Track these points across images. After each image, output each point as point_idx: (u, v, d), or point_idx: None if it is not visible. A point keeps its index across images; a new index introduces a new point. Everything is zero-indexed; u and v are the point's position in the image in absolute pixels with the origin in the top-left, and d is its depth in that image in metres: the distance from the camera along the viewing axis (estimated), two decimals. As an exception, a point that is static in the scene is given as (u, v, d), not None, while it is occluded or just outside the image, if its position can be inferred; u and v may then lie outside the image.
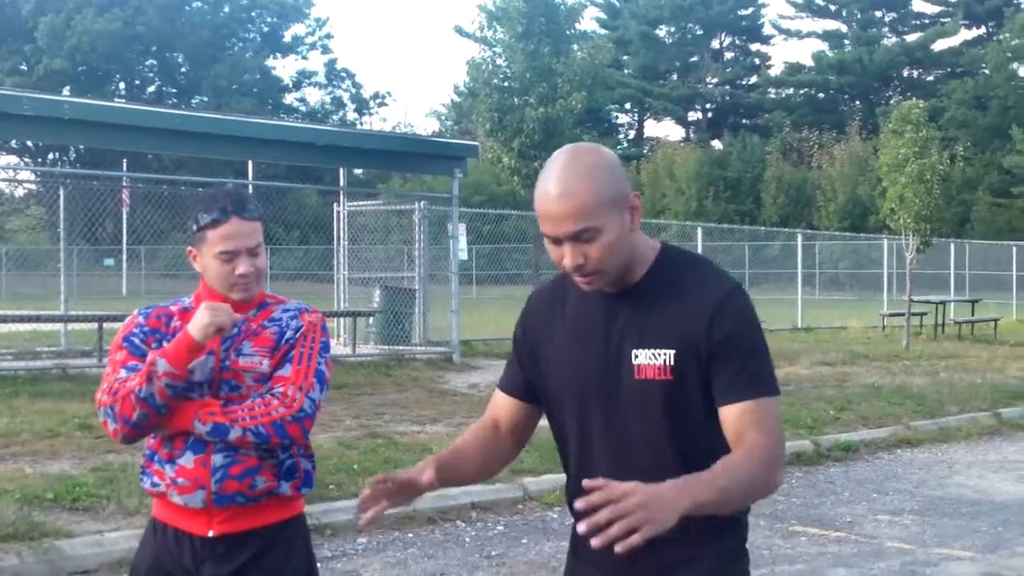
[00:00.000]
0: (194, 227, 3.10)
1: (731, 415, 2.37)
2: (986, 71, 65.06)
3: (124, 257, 40.58)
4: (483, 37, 16.08)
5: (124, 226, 38.39)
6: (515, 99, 14.90)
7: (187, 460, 3.04)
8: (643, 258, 2.45)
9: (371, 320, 16.91)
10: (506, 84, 15.22)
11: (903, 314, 21.23)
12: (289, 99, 72.01)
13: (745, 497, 2.35)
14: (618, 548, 2.05)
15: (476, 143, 17.98)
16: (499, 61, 15.59)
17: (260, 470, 3.06)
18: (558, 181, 2.33)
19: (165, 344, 3.04)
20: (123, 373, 3.04)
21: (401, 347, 16.23)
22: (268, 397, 3.03)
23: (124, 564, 6.55)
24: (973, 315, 24.82)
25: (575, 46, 15.51)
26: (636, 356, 2.41)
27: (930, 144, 20.04)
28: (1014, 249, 33.73)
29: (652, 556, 2.34)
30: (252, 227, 3.09)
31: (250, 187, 16.34)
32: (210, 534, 3.06)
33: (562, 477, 2.68)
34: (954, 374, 16.19)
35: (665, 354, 2.37)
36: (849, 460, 10.82)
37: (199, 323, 2.96)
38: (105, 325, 13.20)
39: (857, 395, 13.68)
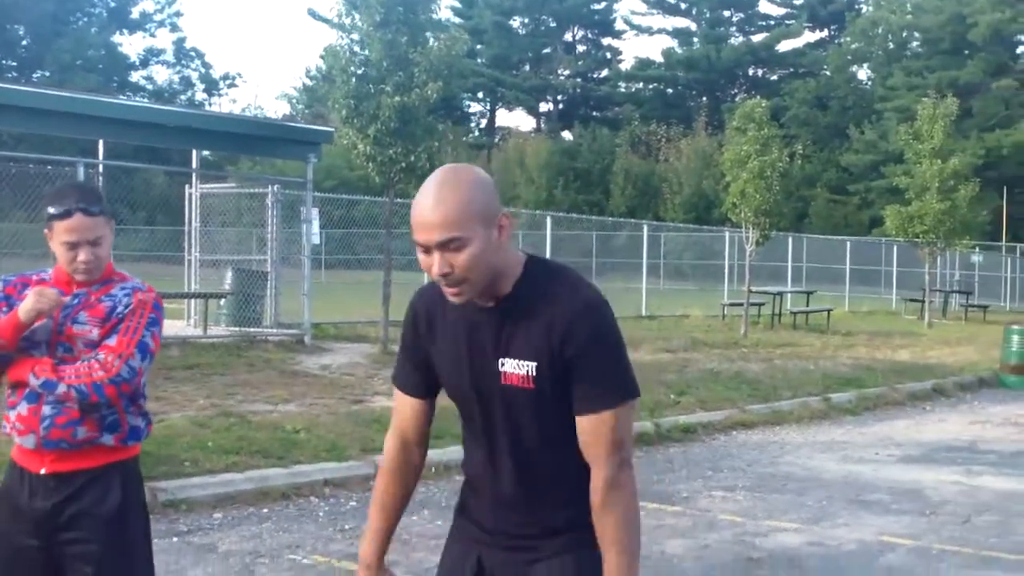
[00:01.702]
0: (46, 216, 3.56)
1: (581, 426, 2.60)
2: (827, 72, 67.38)
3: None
4: (340, 24, 16.10)
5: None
6: (371, 87, 15.00)
7: (23, 408, 3.51)
8: (511, 272, 2.62)
9: (222, 302, 16.85)
10: (363, 71, 15.32)
11: (742, 304, 22.06)
12: (136, 77, 70.33)
13: (638, 531, 2.67)
14: None
15: (331, 129, 18.01)
16: (356, 48, 15.67)
17: (82, 422, 3.49)
18: (433, 194, 2.52)
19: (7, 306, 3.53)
20: None
21: (253, 329, 16.24)
22: (92, 361, 3.46)
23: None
24: (808, 306, 25.87)
25: (431, 36, 15.69)
26: (503, 364, 2.62)
27: (771, 142, 20.86)
28: (848, 244, 35.14)
29: (536, 521, 2.70)
30: (94, 222, 3.51)
31: (100, 167, 16.08)
32: (42, 471, 3.51)
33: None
34: (788, 361, 16.95)
35: (528, 365, 2.59)
36: (687, 441, 11.33)
37: (25, 306, 3.46)
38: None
39: (696, 380, 14.26)
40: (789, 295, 26.66)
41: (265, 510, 7.79)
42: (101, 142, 17.86)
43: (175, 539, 6.86)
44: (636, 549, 2.62)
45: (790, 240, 32.66)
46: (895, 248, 33.86)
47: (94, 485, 3.50)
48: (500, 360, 2.63)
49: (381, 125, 14.79)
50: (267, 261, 17.38)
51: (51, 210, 3.51)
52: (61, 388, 3.41)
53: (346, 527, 7.43)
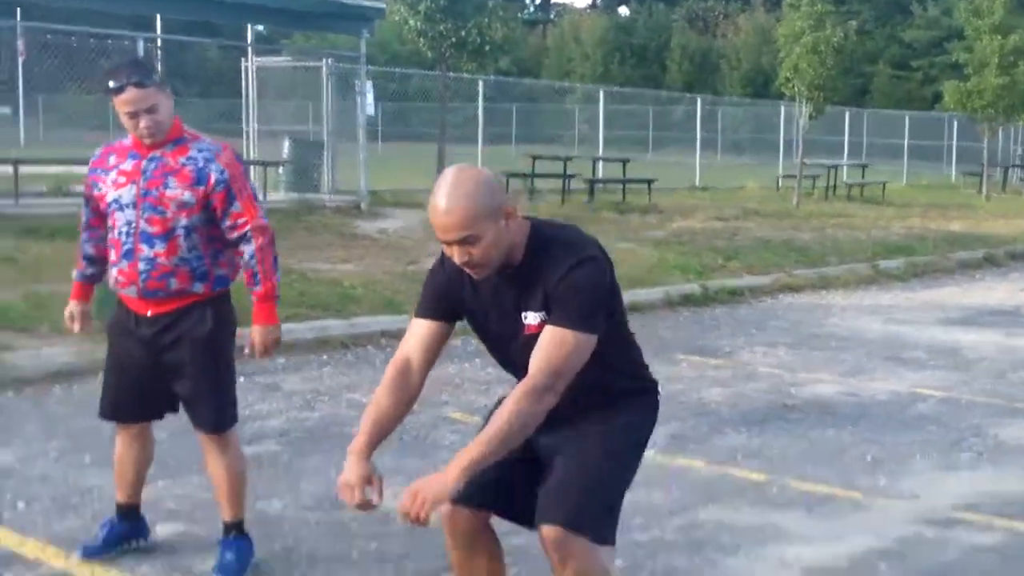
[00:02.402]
0: (106, 92, 4.02)
1: (542, 335, 3.03)
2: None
3: (21, 105, 39.70)
4: None
5: (20, 74, 37.49)
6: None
7: (123, 265, 4.09)
8: (519, 243, 3.07)
9: (280, 170, 17.24)
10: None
11: (796, 176, 22.09)
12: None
13: (520, 431, 2.98)
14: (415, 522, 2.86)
15: (383, 5, 18.12)
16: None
17: (174, 275, 4.05)
18: (445, 199, 2.95)
19: (102, 180, 4.13)
20: (83, 209, 4.30)
21: (311, 195, 16.62)
22: (250, 246, 4.08)
23: (61, 375, 7.12)
24: (863, 179, 25.82)
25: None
26: (526, 317, 3.10)
27: (825, 17, 20.75)
28: (907, 118, 34.77)
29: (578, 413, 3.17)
30: (146, 93, 3.95)
31: (158, 41, 16.32)
32: (148, 313, 4.12)
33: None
34: (839, 231, 17.10)
35: (541, 315, 3.06)
36: (734, 303, 11.62)
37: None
38: (21, 168, 13.44)
39: (746, 247, 14.48)
40: (845, 168, 26.57)
41: (325, 356, 8.23)
42: (158, 16, 18.08)
43: (242, 379, 7.20)
44: (496, 445, 2.93)
45: (847, 115, 32.37)
46: (955, 123, 33.47)
47: (188, 317, 4.09)
48: (523, 314, 3.11)
49: (431, 2, 14.87)
50: (323, 132, 17.68)
51: (109, 86, 3.97)
52: (275, 278, 4.15)
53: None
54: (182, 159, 4.04)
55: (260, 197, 4.19)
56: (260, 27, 23.87)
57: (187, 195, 4.00)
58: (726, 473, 5.71)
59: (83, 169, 14.20)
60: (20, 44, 24.71)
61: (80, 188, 14.31)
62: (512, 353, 3.21)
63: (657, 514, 4.99)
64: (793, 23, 21.00)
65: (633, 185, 20.38)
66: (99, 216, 4.20)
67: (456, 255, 3.00)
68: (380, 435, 3.16)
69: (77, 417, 6.31)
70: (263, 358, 4.16)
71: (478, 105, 23.73)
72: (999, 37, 25.41)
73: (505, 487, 3.20)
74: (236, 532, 4.23)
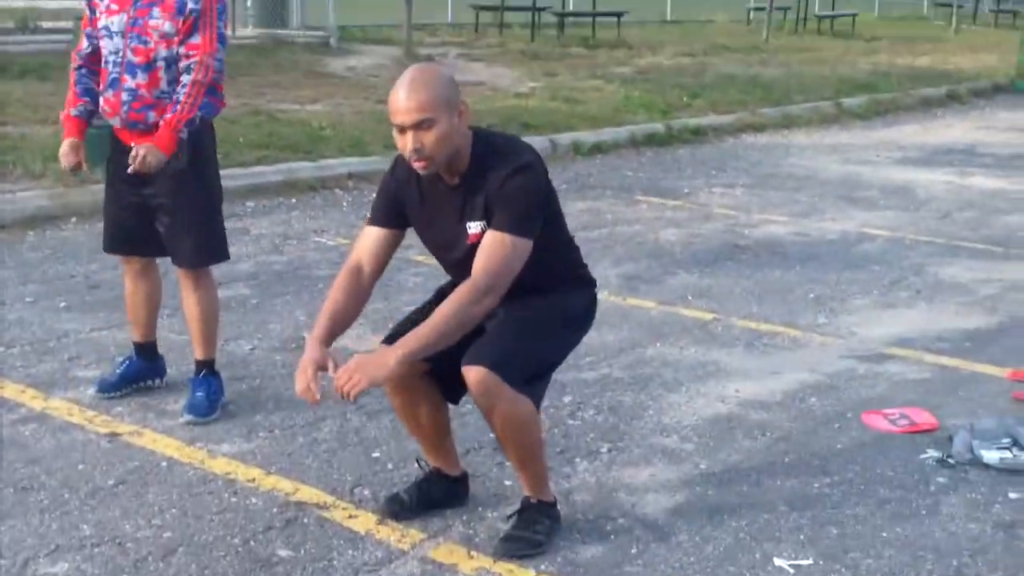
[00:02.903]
0: None
1: (484, 239, 3.24)
2: None
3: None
4: None
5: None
6: None
7: (109, 94, 4.29)
8: (464, 150, 3.25)
9: (249, 2, 17.07)
10: None
11: (766, 8, 21.98)
12: None
13: (458, 328, 3.20)
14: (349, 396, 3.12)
15: None
16: None
17: (154, 107, 4.22)
18: (406, 85, 3.15)
19: (98, 4, 4.28)
20: (83, 39, 4.39)
21: (280, 31, 16.53)
22: (190, 74, 4.15)
23: (36, 220, 7.33)
24: (834, 9, 25.67)
25: None
26: (469, 227, 3.30)
27: None
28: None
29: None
30: None
31: None
32: (132, 145, 4.23)
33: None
34: (806, 67, 17.17)
35: (482, 223, 3.26)
36: (697, 142, 11.81)
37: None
38: None
39: (711, 84, 14.59)
40: (817, -1, 26.45)
41: (293, 200, 8.43)
42: None
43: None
44: (435, 339, 3.17)
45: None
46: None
47: None
48: (466, 224, 3.31)
49: None
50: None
51: None
52: (191, 115, 4.15)
53: (367, 215, 8.04)
54: None
55: (226, 39, 4.29)
56: None
57: (167, 25, 4.14)
58: (675, 312, 6.01)
59: (50, 3, 13.97)
60: None
61: (46, 25, 14.15)
62: (455, 261, 3.41)
63: (607, 352, 5.30)
64: None
65: (604, 19, 20.26)
66: (99, 52, 4.30)
67: (409, 142, 3.16)
68: (336, 329, 3.40)
69: (51, 262, 6.54)
70: (136, 171, 4.15)
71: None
72: None
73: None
74: (207, 371, 4.47)
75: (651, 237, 7.67)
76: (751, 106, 13.38)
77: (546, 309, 3.41)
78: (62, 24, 14.04)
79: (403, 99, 3.15)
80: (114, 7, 4.22)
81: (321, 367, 3.23)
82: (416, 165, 3.22)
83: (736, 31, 22.89)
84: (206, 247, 4.42)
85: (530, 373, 3.35)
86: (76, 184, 7.69)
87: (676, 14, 25.37)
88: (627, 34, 19.78)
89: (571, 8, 21.25)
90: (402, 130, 3.18)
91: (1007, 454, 4.18)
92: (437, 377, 3.50)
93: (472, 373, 3.25)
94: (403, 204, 3.43)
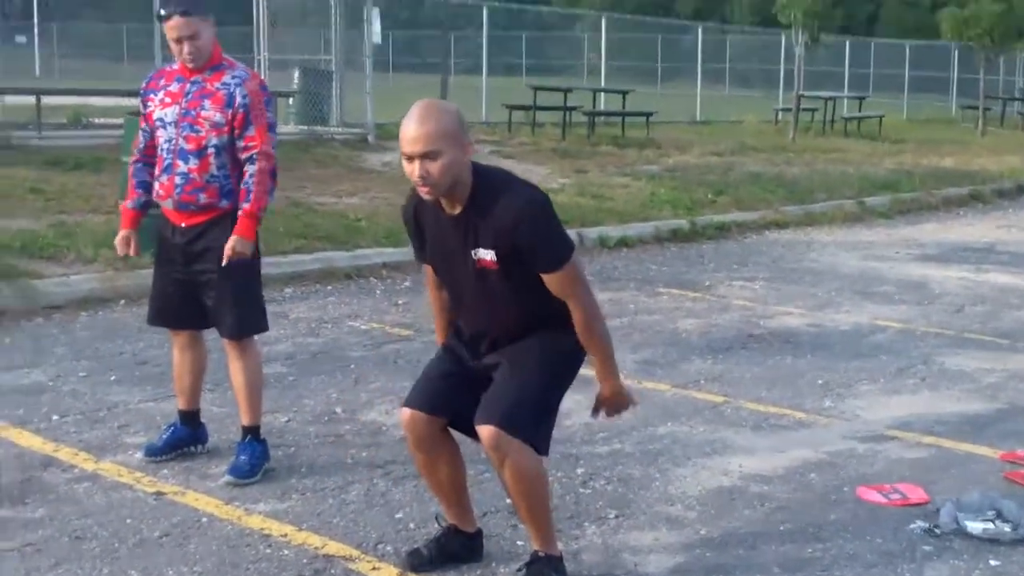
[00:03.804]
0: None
1: (550, 281, 3.64)
2: None
3: (36, 34, 39.94)
4: None
5: (35, 2, 37.62)
6: None
7: (163, 178, 4.72)
8: (466, 182, 3.58)
9: (291, 101, 17.73)
10: None
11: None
12: None
13: (608, 338, 3.78)
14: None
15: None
16: None
17: (204, 190, 4.69)
18: (416, 118, 3.49)
19: (151, 100, 4.77)
20: (139, 135, 4.84)
21: (320, 128, 17.14)
22: (254, 167, 4.65)
23: (88, 301, 7.77)
24: (861, 111, 26.18)
25: None
26: (476, 253, 3.63)
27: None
28: (907, 48, 34.91)
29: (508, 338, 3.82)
30: (189, 21, 4.62)
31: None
32: (182, 225, 4.72)
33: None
34: (830, 166, 17.61)
35: (490, 252, 3.60)
36: (721, 238, 12.20)
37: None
38: (43, 99, 14.02)
39: (736, 181, 15.02)
40: (845, 100, 26.95)
41: (329, 287, 8.85)
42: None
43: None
44: (611, 352, 3.80)
45: (847, 44, 32.59)
46: (955, 53, 33.63)
47: (215, 229, 4.72)
48: (474, 251, 3.63)
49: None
50: (332, 61, 18.13)
51: (158, 13, 4.72)
52: (264, 201, 4.69)
53: (400, 302, 8.46)
54: (217, 84, 4.67)
55: (275, 127, 4.78)
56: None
57: (218, 116, 4.62)
58: (688, 395, 6.33)
59: (100, 101, 14.64)
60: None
61: (98, 120, 14.80)
62: (463, 286, 3.79)
63: (619, 429, 5.61)
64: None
65: (633, 118, 20.82)
66: (154, 145, 4.79)
67: (416, 170, 3.49)
68: (448, 328, 4.02)
69: (103, 340, 6.97)
70: (231, 261, 4.62)
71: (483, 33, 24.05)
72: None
73: (456, 398, 3.80)
74: (252, 436, 4.85)
75: (669, 326, 8.01)
76: (775, 204, 13.78)
77: (543, 352, 3.75)
78: (113, 120, 14.69)
79: (412, 131, 3.49)
80: (167, 100, 4.71)
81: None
82: (421, 190, 3.58)
83: (764, 131, 23.40)
84: (250, 318, 4.84)
85: (537, 419, 3.71)
86: (125, 268, 8.16)
87: (705, 114, 25.95)
88: (656, 133, 20.30)
89: (602, 107, 21.80)
90: (410, 159, 3.52)
91: (990, 525, 4.45)
92: (457, 425, 3.87)
93: (484, 431, 3.62)
94: (423, 235, 3.83)
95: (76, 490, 4.61)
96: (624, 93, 22.04)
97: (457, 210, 3.65)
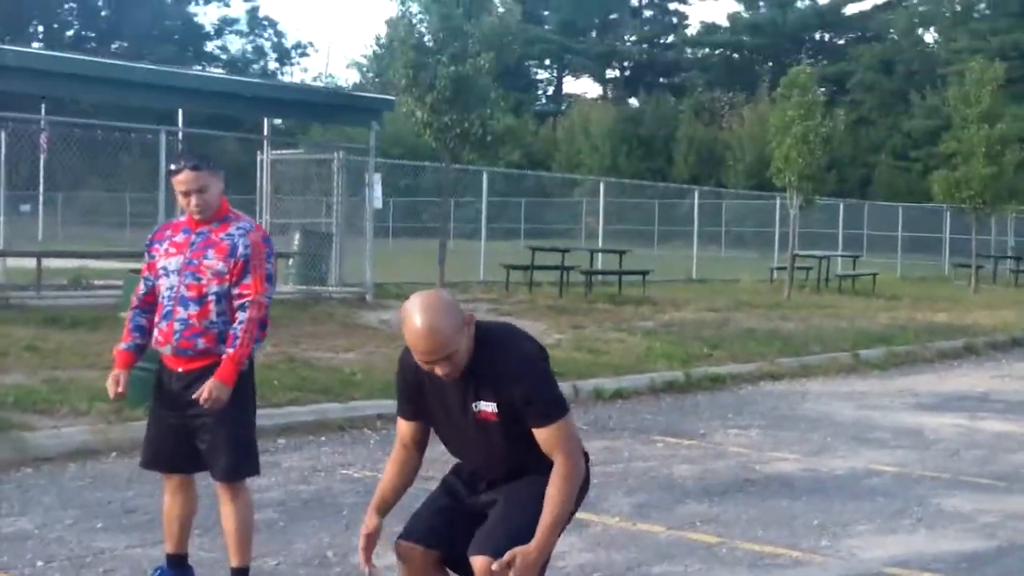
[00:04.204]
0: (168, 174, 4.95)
1: (539, 436, 3.73)
2: (894, 36, 66.91)
3: (40, 203, 40.57)
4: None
5: (41, 172, 38.30)
6: (428, 58, 16.04)
7: (163, 325, 4.79)
8: (471, 348, 3.70)
9: (291, 262, 17.96)
10: (420, 42, 16.39)
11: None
12: (210, 47, 72.16)
13: (570, 507, 3.74)
14: None
15: (392, 98, 19.02)
16: (414, 21, 16.71)
17: (202, 335, 4.76)
18: (421, 325, 3.59)
19: (156, 251, 4.89)
20: (141, 283, 4.94)
21: (318, 287, 17.32)
22: (244, 313, 4.73)
23: (77, 453, 7.72)
24: (854, 270, 26.45)
25: (487, 15, 16.68)
26: (477, 406, 3.75)
27: (815, 108, 21.54)
28: (900, 210, 35.50)
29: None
30: (198, 175, 4.78)
31: (179, 134, 17.23)
32: (180, 370, 4.77)
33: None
34: (825, 321, 17.70)
35: (491, 404, 3.72)
36: (716, 389, 12.18)
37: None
38: (44, 261, 14.21)
39: (732, 336, 15.09)
40: (839, 259, 27.27)
41: (323, 438, 8.81)
42: (180, 112, 19.02)
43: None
44: (564, 520, 3.75)
45: (841, 206, 33.12)
46: (947, 215, 34.15)
47: (211, 374, 4.70)
48: (475, 404, 3.76)
49: (437, 94, 15.79)
50: (333, 224, 18.44)
51: (170, 168, 4.86)
52: (248, 349, 4.71)
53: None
54: (222, 235, 4.82)
55: (274, 279, 4.91)
56: (277, 121, 25.02)
57: (221, 265, 4.77)
58: (683, 536, 6.27)
59: (100, 264, 14.85)
60: (43, 139, 25.54)
61: (97, 282, 14.96)
62: (465, 441, 3.88)
63: (613, 570, 5.55)
64: (784, 112, 21.83)
65: (630, 277, 21.03)
66: (154, 293, 4.88)
67: (439, 370, 3.65)
68: (388, 498, 4.08)
69: (91, 490, 6.92)
70: (205, 405, 4.65)
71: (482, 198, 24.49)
72: (986, 126, 26.09)
73: (452, 533, 3.84)
74: (242, 578, 4.82)
75: (664, 472, 7.96)
76: (770, 356, 13.81)
77: (540, 490, 3.74)
78: (112, 282, 14.87)
79: (424, 343, 3.61)
80: (172, 250, 4.84)
81: (372, 533, 3.92)
82: (443, 376, 3.69)
83: (760, 289, 23.61)
84: (243, 461, 4.87)
85: None
86: (118, 421, 8.16)
87: (701, 274, 26.22)
88: (652, 291, 20.49)
89: (600, 266, 22.05)
90: (428, 363, 3.66)
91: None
92: (450, 562, 3.86)
93: (477, 562, 3.64)
94: (417, 393, 3.90)
95: (58, 632, 4.53)
96: (621, 253, 22.32)
97: (459, 372, 3.75)
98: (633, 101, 72.64)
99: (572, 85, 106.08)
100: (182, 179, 4.76)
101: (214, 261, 4.76)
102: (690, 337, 14.66)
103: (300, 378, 10.12)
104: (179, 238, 4.86)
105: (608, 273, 21.59)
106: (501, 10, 17.06)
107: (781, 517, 6.74)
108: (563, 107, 74.50)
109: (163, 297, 4.82)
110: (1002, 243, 36.68)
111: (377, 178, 18.41)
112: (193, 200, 4.77)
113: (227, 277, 4.74)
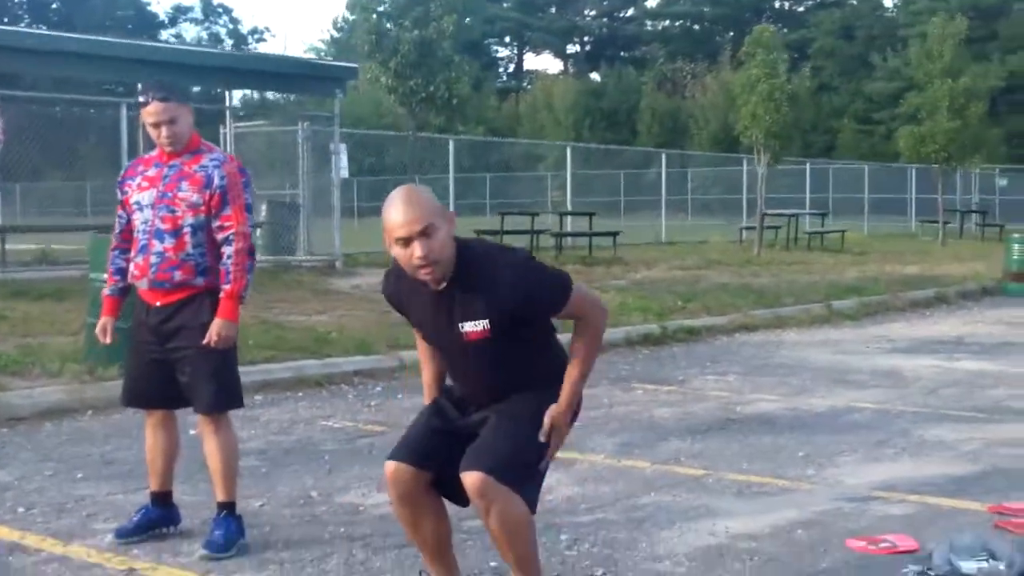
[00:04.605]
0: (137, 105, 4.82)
1: (566, 312, 3.68)
2: (853, 1, 66.97)
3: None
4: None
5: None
6: (391, 24, 15.95)
7: (139, 259, 4.70)
8: (452, 257, 3.58)
9: (258, 232, 17.77)
10: (383, 7, 16.29)
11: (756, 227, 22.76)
12: (165, 35, 71.34)
13: (595, 359, 3.82)
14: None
15: (355, 65, 18.83)
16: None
17: (179, 267, 4.66)
18: (402, 200, 3.51)
19: (129, 186, 4.78)
20: (116, 222, 4.85)
21: (288, 256, 17.18)
22: (231, 248, 4.63)
23: (52, 412, 7.62)
24: (823, 227, 26.51)
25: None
26: (463, 327, 3.61)
27: (779, 65, 21.54)
28: (866, 169, 35.57)
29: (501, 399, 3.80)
30: (166, 106, 4.66)
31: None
32: (157, 304, 4.67)
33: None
34: (797, 275, 17.74)
35: (482, 323, 3.58)
36: (691, 341, 12.17)
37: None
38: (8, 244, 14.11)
39: (705, 290, 15.09)
40: (807, 218, 27.34)
41: (300, 394, 8.72)
42: (140, 85, 18.75)
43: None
44: (591, 366, 3.80)
45: (808, 167, 33.17)
46: (913, 173, 34.26)
47: (188, 306, 4.68)
48: (460, 324, 3.61)
49: (401, 58, 15.67)
50: (299, 195, 18.26)
51: (138, 100, 4.76)
52: (244, 281, 4.66)
53: (372, 404, 8.36)
54: (196, 166, 4.71)
55: (252, 208, 4.81)
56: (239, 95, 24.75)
57: (195, 197, 4.66)
58: (668, 470, 6.23)
59: (64, 244, 14.55)
60: (-1, 123, 24.97)
61: (62, 260, 14.65)
62: (455, 358, 3.79)
63: (602, 501, 5.52)
64: (749, 72, 21.81)
65: (600, 240, 20.99)
66: (131, 230, 4.78)
67: (417, 249, 3.47)
68: (437, 383, 4.03)
69: (68, 445, 6.82)
70: (217, 346, 4.60)
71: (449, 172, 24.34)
72: (949, 81, 26.15)
73: (442, 453, 3.75)
74: (227, 512, 4.73)
75: (646, 415, 7.93)
76: (744, 309, 13.81)
77: (533, 408, 3.69)
78: (77, 259, 14.64)
79: (404, 213, 3.48)
80: (144, 184, 4.73)
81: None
82: (422, 272, 3.53)
83: (729, 249, 23.58)
84: (225, 393, 4.77)
85: (524, 472, 3.62)
86: (92, 381, 8.06)
87: (670, 236, 26.20)
88: (623, 253, 20.43)
89: (568, 230, 22.01)
90: (407, 242, 3.49)
91: (984, 564, 4.36)
92: (440, 485, 3.76)
93: (469, 478, 3.53)
94: (406, 311, 3.80)
95: (44, 571, 4.44)
96: (590, 215, 22.27)
97: (441, 286, 3.63)
98: (595, 76, 72.42)
99: (533, 61, 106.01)
100: (151, 111, 4.65)
101: (188, 193, 4.66)
102: (663, 292, 14.65)
103: (275, 338, 10.03)
104: (151, 172, 4.76)
105: (578, 235, 21.53)
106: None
107: (765, 451, 6.73)
108: (525, 84, 74.24)
109: (138, 231, 4.72)
110: (967, 202, 36.82)
111: (343, 147, 18.23)
112: (163, 131, 4.67)
113: (202, 209, 4.65)
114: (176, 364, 4.70)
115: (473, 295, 3.59)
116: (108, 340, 4.85)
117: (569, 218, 22.90)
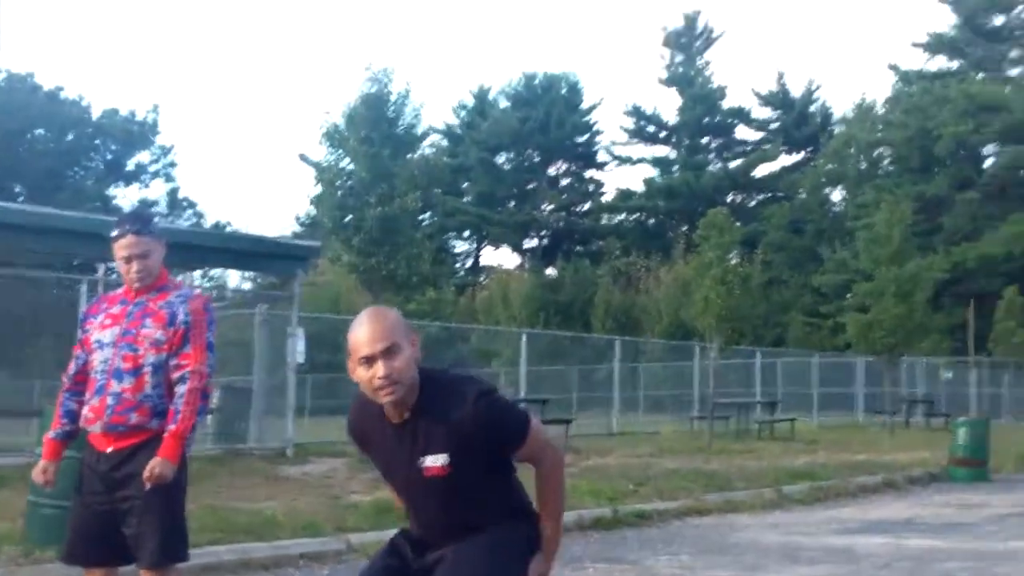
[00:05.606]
0: (110, 239, 4.76)
1: (525, 451, 3.75)
2: (803, 195, 68.87)
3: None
4: (330, 134, 17.37)
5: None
6: (353, 201, 16.27)
7: (94, 401, 4.64)
8: (416, 384, 3.63)
9: (209, 419, 17.63)
10: (349, 184, 16.62)
11: (707, 417, 22.89)
12: (128, 228, 71.82)
13: (564, 494, 3.96)
14: None
15: (318, 244, 18.98)
16: (343, 164, 16.97)
17: (136, 409, 4.60)
18: (368, 320, 3.60)
19: (91, 324, 4.75)
20: (72, 362, 4.79)
21: (238, 445, 17.02)
22: (185, 386, 4.60)
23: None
24: (772, 415, 26.69)
25: (411, 156, 16.95)
26: (423, 462, 3.62)
27: (732, 247, 22.10)
28: (814, 362, 35.93)
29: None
30: (140, 240, 4.70)
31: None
32: (108, 449, 4.61)
33: (385, 534, 3.96)
34: (747, 461, 17.78)
35: (440, 457, 3.60)
36: (643, 525, 12.09)
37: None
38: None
39: (656, 475, 15.07)
40: (757, 406, 27.56)
41: (245, 577, 8.58)
42: (116, 218, 18.68)
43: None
44: (562, 502, 3.96)
45: (758, 357, 33.52)
46: (861, 365, 34.66)
47: (142, 452, 4.58)
48: (420, 460, 3.64)
49: (364, 235, 15.93)
50: (253, 380, 18.19)
51: (112, 233, 4.73)
52: (192, 422, 4.57)
53: None
54: (161, 303, 4.71)
55: (214, 347, 4.76)
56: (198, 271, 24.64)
57: (159, 334, 4.64)
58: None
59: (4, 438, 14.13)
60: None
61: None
62: (415, 497, 3.79)
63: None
64: (704, 255, 22.33)
65: (553, 428, 20.94)
66: (86, 371, 4.72)
67: (380, 369, 3.52)
68: None
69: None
70: (150, 483, 4.51)
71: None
72: (896, 268, 26.72)
73: None
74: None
75: (597, 592, 7.87)
76: (695, 493, 13.80)
77: (492, 540, 3.71)
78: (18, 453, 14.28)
79: (368, 332, 3.54)
80: (107, 322, 4.72)
81: None
82: (384, 393, 3.55)
83: (681, 438, 23.65)
84: (171, 546, 4.69)
85: None
86: (27, 563, 7.91)
87: (622, 427, 26.24)
88: (575, 443, 20.42)
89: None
90: (370, 361, 3.53)
91: None
92: None
93: None
94: (368, 445, 3.83)
95: None
96: (543, 402, 22.32)
97: (404, 416, 3.65)
98: (551, 271, 73.37)
99: (491, 256, 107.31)
100: (124, 244, 4.67)
101: (152, 329, 4.64)
102: (615, 476, 14.62)
103: (221, 520, 9.89)
104: (115, 309, 4.74)
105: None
106: (429, 150, 17.29)
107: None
108: (482, 279, 75.05)
109: (96, 372, 4.67)
110: (913, 393, 37.17)
111: (300, 331, 18.21)
112: (134, 266, 4.68)
113: (165, 347, 4.62)
114: (124, 515, 4.62)
115: (435, 424, 3.61)
116: (47, 481, 4.76)
117: (522, 406, 22.92)
